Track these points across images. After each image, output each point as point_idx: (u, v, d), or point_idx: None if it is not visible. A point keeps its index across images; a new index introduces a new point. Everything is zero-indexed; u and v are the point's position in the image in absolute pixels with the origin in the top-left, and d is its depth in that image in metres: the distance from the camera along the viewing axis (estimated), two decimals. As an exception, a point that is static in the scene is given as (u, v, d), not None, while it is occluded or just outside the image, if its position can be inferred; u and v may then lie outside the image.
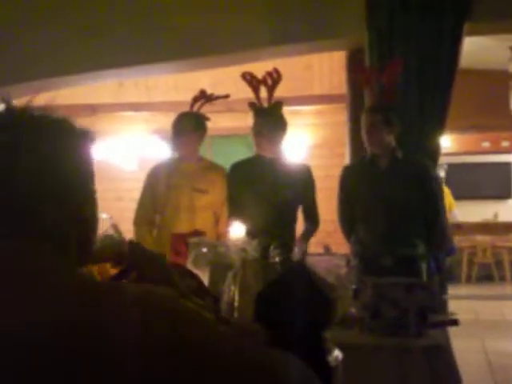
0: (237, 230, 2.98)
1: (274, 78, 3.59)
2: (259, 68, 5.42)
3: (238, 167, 3.81)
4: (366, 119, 3.42)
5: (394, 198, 3.41)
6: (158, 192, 3.81)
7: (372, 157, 3.49)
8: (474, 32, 4.13)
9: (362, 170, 3.55)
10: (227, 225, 3.71)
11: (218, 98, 3.86)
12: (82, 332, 0.85)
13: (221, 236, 3.61)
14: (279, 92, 3.66)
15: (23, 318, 0.85)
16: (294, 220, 3.68)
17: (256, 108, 3.60)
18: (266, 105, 3.62)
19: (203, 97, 3.83)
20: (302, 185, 3.64)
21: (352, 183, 3.55)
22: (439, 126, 3.98)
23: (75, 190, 1.04)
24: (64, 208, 0.99)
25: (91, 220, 1.08)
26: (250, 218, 3.54)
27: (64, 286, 0.89)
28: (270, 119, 3.56)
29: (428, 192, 3.44)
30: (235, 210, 3.69)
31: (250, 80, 3.62)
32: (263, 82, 3.61)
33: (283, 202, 3.56)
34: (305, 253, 3.49)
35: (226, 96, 3.85)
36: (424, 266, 3.43)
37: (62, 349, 0.84)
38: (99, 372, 0.84)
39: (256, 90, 3.62)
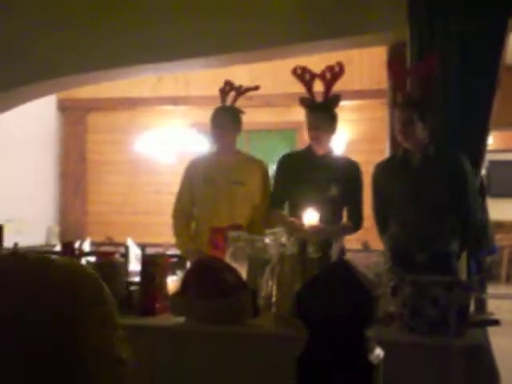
0: (310, 217, 2.99)
1: (336, 72, 3.53)
2: (299, 62, 5.41)
3: (289, 158, 3.85)
4: (400, 114, 3.38)
5: (427, 195, 3.37)
6: (196, 185, 3.84)
7: (404, 153, 3.45)
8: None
9: (394, 167, 3.51)
10: (265, 217, 3.74)
11: (248, 89, 3.84)
12: None
13: (259, 229, 3.62)
14: (318, 87, 3.63)
15: None
16: (339, 217, 3.68)
17: (313, 103, 3.56)
18: (318, 99, 3.57)
19: (231, 89, 3.83)
20: (349, 183, 3.64)
21: (384, 180, 3.52)
22: (483, 124, 3.90)
23: None
24: None
25: None
26: (295, 210, 3.59)
27: None
28: (329, 113, 3.56)
29: (461, 188, 3.38)
30: (278, 199, 3.72)
31: (302, 74, 3.57)
32: (321, 76, 3.54)
33: (330, 199, 3.57)
34: (342, 249, 3.48)
35: (256, 88, 3.85)
36: (455, 263, 3.38)
37: None
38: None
39: (309, 85, 3.56)
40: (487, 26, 3.85)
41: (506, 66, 3.97)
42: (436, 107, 3.56)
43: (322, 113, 3.56)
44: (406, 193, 3.41)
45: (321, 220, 3.18)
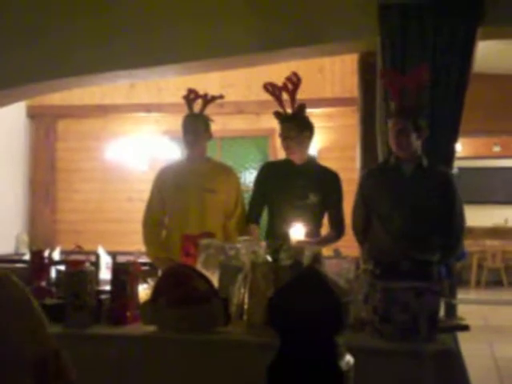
0: (297, 232, 3.00)
1: (294, 82, 3.68)
2: (272, 69, 5.43)
3: (268, 167, 3.94)
4: (395, 123, 3.40)
5: (417, 205, 3.39)
6: (167, 193, 3.83)
7: (396, 162, 3.47)
8: (486, 36, 4.12)
9: (384, 175, 3.52)
10: (241, 225, 3.75)
11: (214, 98, 3.88)
12: None
13: (231, 237, 3.62)
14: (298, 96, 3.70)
15: None
16: (318, 225, 3.71)
17: (281, 115, 3.69)
18: (288, 109, 3.69)
19: (196, 96, 3.85)
20: (329, 192, 3.70)
21: (373, 188, 3.53)
22: (452, 130, 3.96)
23: None
24: None
25: None
26: (274, 219, 3.65)
27: None
28: (296, 122, 3.66)
29: (448, 200, 3.43)
30: (255, 211, 3.78)
31: (273, 90, 3.71)
32: (284, 88, 3.70)
33: (308, 207, 3.62)
34: (318, 256, 3.50)
35: (221, 96, 3.91)
36: (437, 272, 3.42)
37: None
38: None
39: (279, 99, 3.71)
40: (458, 34, 3.91)
41: (474, 74, 4.03)
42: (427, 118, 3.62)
43: (289, 122, 3.66)
44: (396, 201, 3.43)
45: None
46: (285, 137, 3.67)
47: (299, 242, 3.08)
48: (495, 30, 4.13)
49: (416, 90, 3.49)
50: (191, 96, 3.86)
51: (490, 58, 6.32)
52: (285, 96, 3.72)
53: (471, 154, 10.70)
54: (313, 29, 4.34)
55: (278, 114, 3.70)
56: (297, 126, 3.65)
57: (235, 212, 3.82)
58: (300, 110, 3.68)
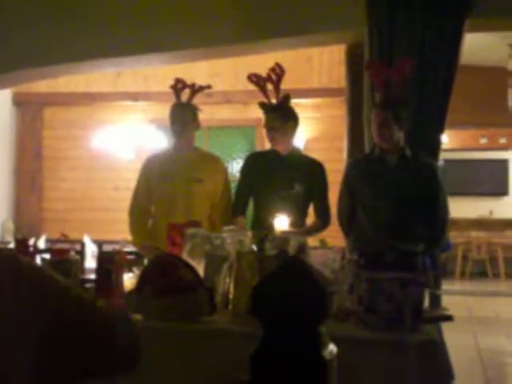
0: (281, 223, 3.00)
1: (278, 73, 3.68)
2: (259, 59, 5.42)
3: (254, 158, 3.95)
4: (377, 115, 3.42)
5: (401, 195, 3.41)
6: (153, 182, 3.81)
7: (381, 153, 3.49)
8: (473, 29, 4.12)
9: (369, 166, 3.54)
10: (227, 215, 3.76)
11: (201, 88, 3.87)
12: None
13: (217, 226, 3.62)
14: (283, 86, 3.70)
15: None
16: (303, 215, 3.72)
17: (266, 106, 3.69)
18: (273, 100, 3.69)
19: (183, 86, 3.84)
20: (314, 181, 3.71)
21: (358, 178, 3.55)
22: (439, 123, 3.97)
23: None
24: None
25: None
26: (259, 209, 3.66)
27: None
28: (280, 112, 3.66)
29: (432, 191, 3.45)
30: (241, 202, 3.79)
31: (257, 81, 3.70)
32: (268, 79, 3.70)
33: (293, 197, 3.62)
34: (304, 247, 3.51)
35: (209, 86, 3.90)
36: (421, 262, 3.44)
37: None
38: None
39: (263, 89, 3.71)
40: (446, 26, 3.92)
41: (461, 66, 4.04)
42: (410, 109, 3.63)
43: (274, 113, 3.66)
44: (380, 191, 3.45)
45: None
46: (269, 127, 3.68)
47: (284, 233, 3.09)
48: (483, 22, 4.14)
49: (400, 83, 3.50)
50: (179, 85, 3.84)
51: (478, 50, 6.35)
52: (270, 87, 3.72)
53: (458, 146, 10.75)
54: (300, 19, 4.33)
55: (262, 105, 3.70)
56: (281, 116, 3.65)
57: (222, 202, 3.82)
58: (284, 100, 3.68)
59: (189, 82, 3.87)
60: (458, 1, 3.92)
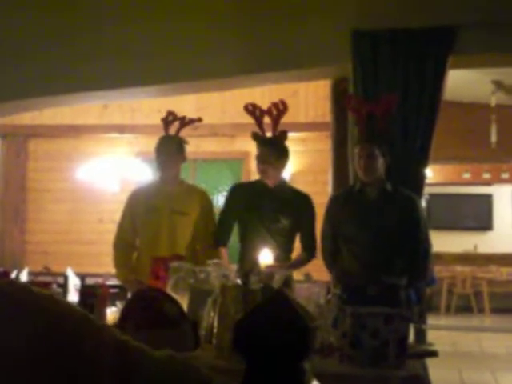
0: (266, 257, 2.98)
1: (280, 109, 3.69)
2: (247, 93, 5.46)
3: (239, 189, 3.93)
4: (362, 149, 3.45)
5: (382, 228, 3.43)
6: (138, 215, 3.80)
7: (361, 187, 3.51)
8: (457, 65, 4.19)
9: (349, 200, 3.57)
10: (211, 248, 3.74)
11: (192, 121, 3.88)
12: None
13: (202, 260, 3.59)
14: (268, 118, 3.71)
15: None
16: (289, 248, 3.71)
17: (261, 138, 3.69)
18: (268, 134, 3.69)
19: (174, 119, 3.85)
20: (300, 214, 3.71)
21: (339, 212, 3.56)
22: (423, 157, 4.01)
23: None
24: None
25: None
26: (245, 241, 3.64)
27: None
28: (276, 148, 3.66)
29: (413, 224, 3.47)
30: (225, 229, 3.77)
31: (253, 111, 3.70)
32: (268, 112, 3.70)
33: (279, 230, 3.61)
34: (289, 280, 3.50)
35: (199, 120, 3.90)
36: (404, 296, 3.44)
37: None
38: None
39: (259, 120, 3.71)
40: (429, 62, 3.98)
41: (445, 102, 4.10)
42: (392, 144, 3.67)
43: (270, 147, 3.65)
44: (361, 225, 3.46)
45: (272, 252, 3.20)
46: (262, 161, 3.66)
47: (269, 267, 3.07)
48: (466, 59, 4.21)
49: (383, 117, 3.55)
50: (169, 118, 3.85)
51: (462, 86, 6.44)
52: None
53: (442, 181, 10.83)
54: (286, 54, 4.38)
55: (256, 136, 3.69)
56: (276, 152, 3.65)
57: (206, 235, 3.80)
58: (282, 136, 3.68)
59: (177, 114, 3.89)
60: (441, 37, 3.98)
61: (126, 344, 1.30)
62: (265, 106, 3.74)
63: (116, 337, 1.30)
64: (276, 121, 3.69)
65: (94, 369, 1.22)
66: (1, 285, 1.27)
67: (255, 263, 3.07)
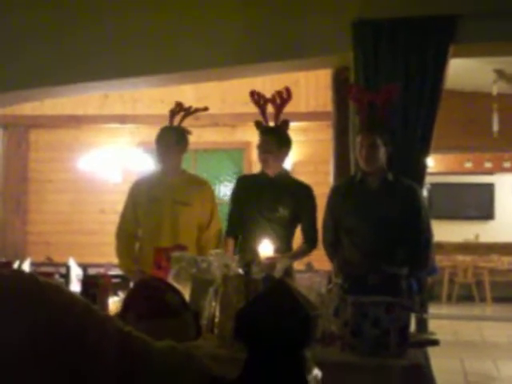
0: (265, 248, 2.99)
1: (284, 98, 3.67)
2: (247, 82, 5.44)
3: (243, 180, 3.95)
4: (364, 139, 3.44)
5: (383, 218, 3.43)
6: (140, 205, 3.80)
7: (363, 176, 3.51)
8: (458, 54, 4.17)
9: (351, 190, 3.56)
10: (215, 239, 3.74)
11: (197, 110, 3.87)
12: None
13: (204, 250, 3.60)
14: (270, 108, 3.70)
15: None
16: (289, 238, 3.71)
17: (263, 127, 3.68)
18: (271, 122, 3.69)
19: (181, 110, 3.85)
20: (300, 204, 3.70)
21: (340, 202, 3.56)
22: (424, 147, 4.00)
23: None
24: None
25: None
26: (245, 230, 3.64)
27: None
28: (278, 137, 3.65)
29: (415, 213, 3.47)
30: (235, 221, 3.75)
31: (258, 99, 3.69)
32: (271, 101, 3.69)
33: (277, 220, 3.60)
34: (290, 270, 3.51)
35: (205, 109, 3.89)
36: (405, 285, 3.44)
37: None
38: None
39: (262, 108, 3.70)
40: (430, 51, 3.97)
41: (446, 91, 4.08)
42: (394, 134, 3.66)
43: (271, 136, 3.64)
44: (363, 214, 3.46)
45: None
46: (264, 150, 3.66)
47: (270, 258, 3.08)
48: (467, 48, 4.19)
49: (384, 107, 3.54)
50: (177, 109, 3.85)
51: (463, 75, 6.42)
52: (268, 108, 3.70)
53: (443, 170, 10.82)
54: (288, 44, 4.36)
55: (259, 125, 3.68)
56: (278, 141, 3.65)
57: (210, 225, 3.81)
58: (284, 125, 3.67)
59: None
60: (442, 26, 3.97)
61: (129, 335, 1.30)
62: (266, 96, 3.72)
63: (119, 328, 1.30)
64: (279, 109, 3.69)
65: (97, 361, 1.22)
66: (6, 275, 1.27)
67: (255, 253, 3.08)
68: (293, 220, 3.70)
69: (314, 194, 3.76)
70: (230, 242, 3.73)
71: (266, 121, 3.69)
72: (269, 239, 3.11)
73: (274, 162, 3.69)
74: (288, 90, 3.69)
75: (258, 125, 3.68)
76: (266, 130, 3.66)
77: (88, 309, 1.28)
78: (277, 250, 3.26)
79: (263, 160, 3.69)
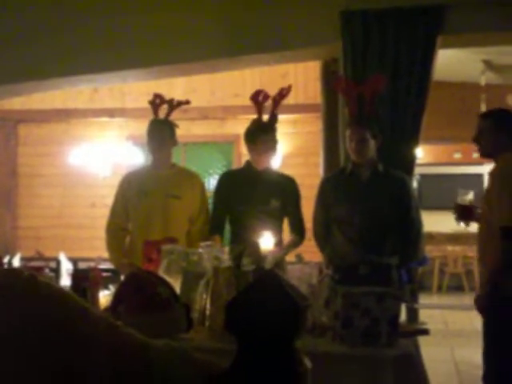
0: (267, 242, 2.99)
1: (283, 94, 3.69)
2: (236, 75, 5.44)
3: (228, 176, 3.94)
4: (354, 133, 3.46)
5: (373, 209, 3.44)
6: (130, 199, 3.80)
7: (353, 168, 3.52)
8: (446, 45, 4.18)
9: (342, 181, 3.58)
10: (205, 231, 3.74)
11: (180, 103, 3.86)
12: None
13: (194, 243, 3.60)
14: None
15: None
16: (279, 230, 3.71)
17: (265, 125, 3.68)
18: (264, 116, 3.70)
19: (162, 102, 3.83)
20: (288, 197, 3.72)
21: (331, 193, 3.58)
22: (412, 138, 4.01)
23: None
24: None
25: None
26: (236, 225, 3.65)
27: None
28: (272, 135, 3.66)
29: (405, 204, 3.49)
30: (218, 221, 3.76)
31: (256, 97, 3.70)
32: (273, 98, 3.70)
33: (270, 212, 3.62)
34: (281, 262, 3.52)
35: (187, 102, 3.89)
36: (395, 275, 3.47)
37: None
38: None
39: (260, 109, 3.70)
40: (418, 42, 3.97)
41: (434, 82, 4.09)
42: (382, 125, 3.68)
43: (268, 135, 3.65)
44: (353, 206, 3.48)
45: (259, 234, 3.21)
46: (271, 147, 3.66)
47: (270, 252, 3.07)
48: (455, 38, 4.20)
49: (371, 99, 3.55)
50: (157, 101, 3.84)
51: (451, 66, 6.43)
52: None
53: (432, 161, 10.85)
54: (276, 36, 4.35)
55: (260, 123, 3.68)
56: (273, 139, 3.66)
57: (200, 218, 3.81)
58: (275, 121, 3.69)
59: (166, 97, 3.87)
60: (430, 17, 3.97)
61: (122, 332, 1.30)
62: (255, 88, 3.74)
63: (112, 324, 1.30)
64: (276, 104, 3.70)
65: (89, 356, 1.22)
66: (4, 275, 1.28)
67: (250, 244, 3.08)
68: (282, 212, 3.71)
69: (298, 186, 3.77)
70: (217, 239, 3.73)
71: (261, 117, 3.70)
72: (269, 232, 3.11)
73: (267, 159, 3.72)
74: (290, 87, 3.72)
75: (258, 123, 3.68)
76: (270, 128, 3.67)
77: (79, 305, 1.28)
78: (276, 243, 3.27)
79: (270, 157, 3.70)
